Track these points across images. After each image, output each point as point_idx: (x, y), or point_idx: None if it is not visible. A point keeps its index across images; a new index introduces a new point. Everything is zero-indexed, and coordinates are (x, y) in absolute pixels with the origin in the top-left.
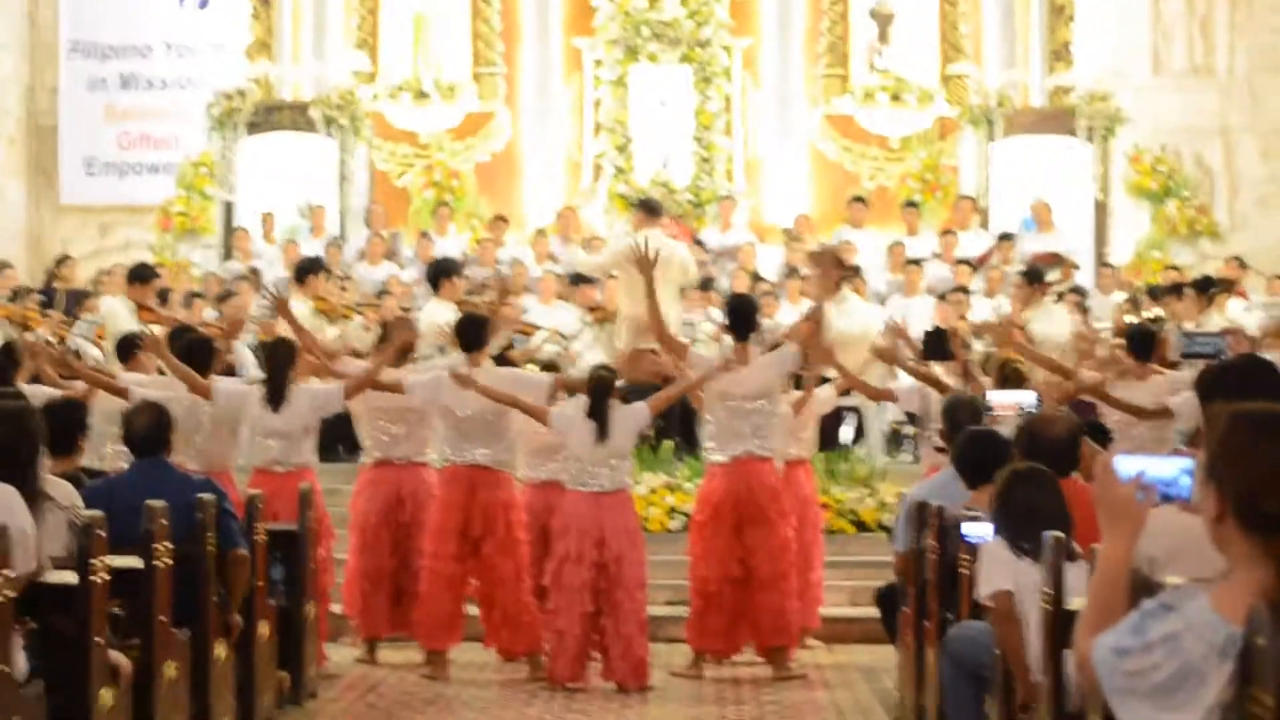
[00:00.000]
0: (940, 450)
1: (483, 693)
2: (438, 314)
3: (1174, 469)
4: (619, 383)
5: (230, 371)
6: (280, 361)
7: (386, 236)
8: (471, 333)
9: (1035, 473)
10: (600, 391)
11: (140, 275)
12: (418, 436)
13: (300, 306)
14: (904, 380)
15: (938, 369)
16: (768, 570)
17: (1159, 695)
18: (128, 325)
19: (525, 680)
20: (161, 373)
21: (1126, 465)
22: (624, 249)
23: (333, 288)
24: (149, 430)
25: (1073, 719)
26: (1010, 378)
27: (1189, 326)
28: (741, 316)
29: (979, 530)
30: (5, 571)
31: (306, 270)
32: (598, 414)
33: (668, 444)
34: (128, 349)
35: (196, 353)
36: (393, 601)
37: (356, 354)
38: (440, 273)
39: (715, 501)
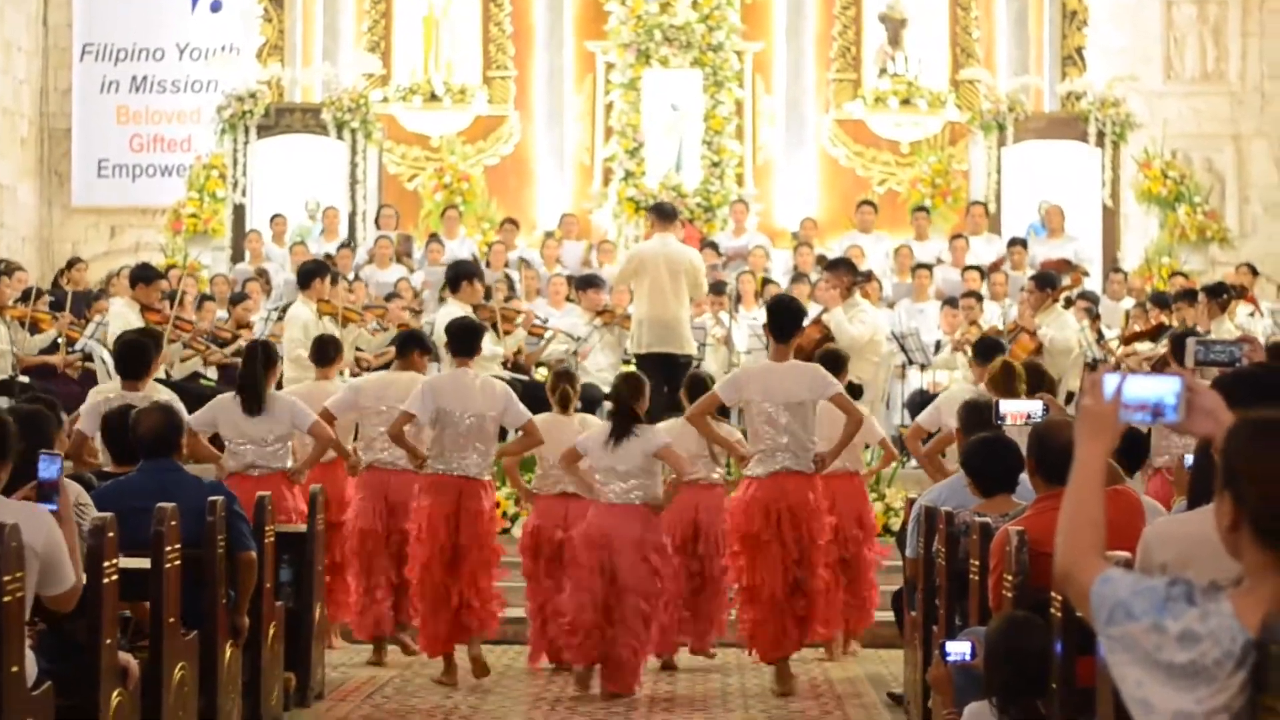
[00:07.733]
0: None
1: (486, 696)
2: (456, 315)
3: (1162, 389)
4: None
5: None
6: (257, 366)
7: (395, 239)
8: (464, 338)
9: (1025, 622)
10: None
11: (143, 276)
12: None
13: (305, 310)
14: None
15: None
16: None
17: (1158, 670)
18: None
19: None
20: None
21: (1113, 383)
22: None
23: (338, 291)
24: (158, 432)
25: None
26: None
27: (1201, 333)
28: (784, 319)
29: (959, 648)
30: (17, 574)
31: (310, 274)
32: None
33: None
34: None
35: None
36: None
37: (359, 362)
38: (461, 275)
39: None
